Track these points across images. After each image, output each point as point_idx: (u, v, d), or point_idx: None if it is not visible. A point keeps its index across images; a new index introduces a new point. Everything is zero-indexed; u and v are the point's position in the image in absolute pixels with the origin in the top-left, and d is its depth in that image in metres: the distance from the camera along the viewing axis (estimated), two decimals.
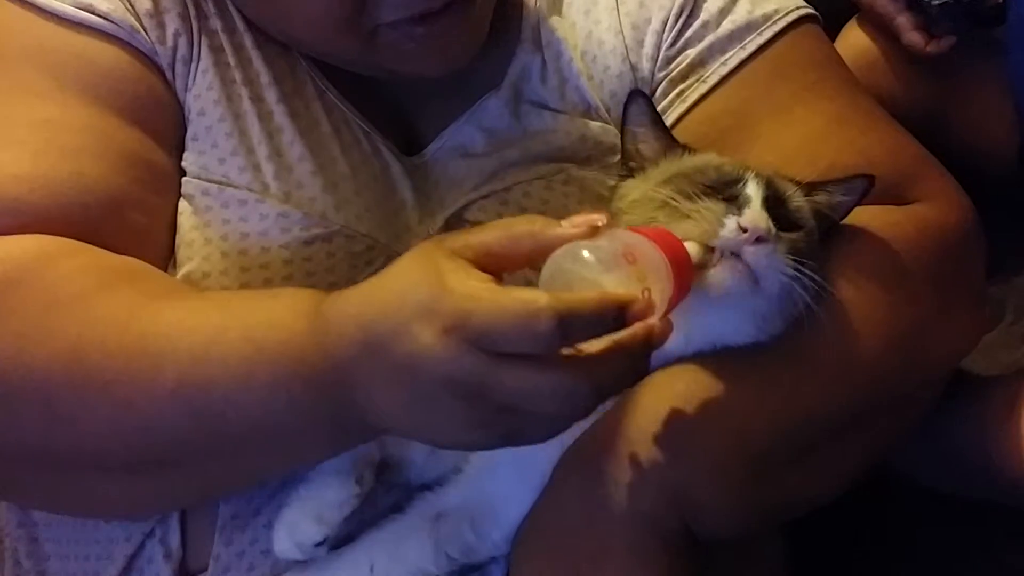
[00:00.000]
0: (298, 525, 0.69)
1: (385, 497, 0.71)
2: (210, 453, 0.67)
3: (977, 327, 0.79)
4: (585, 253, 0.59)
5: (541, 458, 0.68)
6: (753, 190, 0.68)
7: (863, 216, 0.74)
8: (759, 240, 0.65)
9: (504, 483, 0.70)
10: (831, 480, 0.71)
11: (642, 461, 0.66)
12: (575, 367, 0.58)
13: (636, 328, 0.59)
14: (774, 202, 0.68)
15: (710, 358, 0.69)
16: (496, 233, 0.61)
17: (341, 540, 0.71)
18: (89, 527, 0.75)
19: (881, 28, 1.03)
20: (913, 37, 1.00)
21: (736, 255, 0.65)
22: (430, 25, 0.74)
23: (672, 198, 0.67)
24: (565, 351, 0.58)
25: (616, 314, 0.58)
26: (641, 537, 0.65)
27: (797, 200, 0.70)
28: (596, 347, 0.59)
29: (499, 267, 0.61)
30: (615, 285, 0.59)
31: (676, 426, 0.67)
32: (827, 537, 0.82)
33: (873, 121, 0.80)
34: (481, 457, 0.71)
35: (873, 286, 0.71)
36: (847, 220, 0.74)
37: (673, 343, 0.66)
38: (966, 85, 1.01)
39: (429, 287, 0.59)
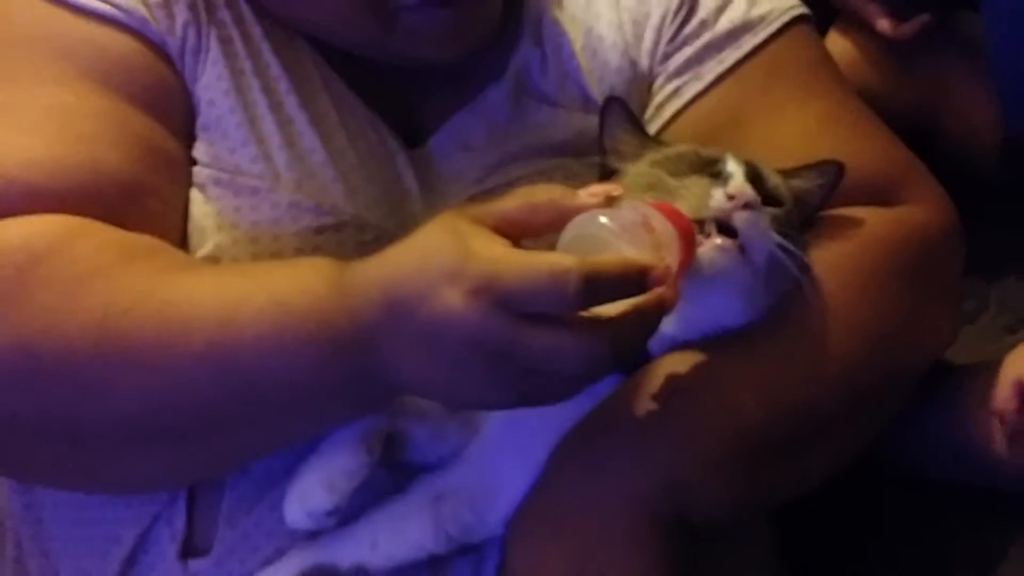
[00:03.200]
0: (310, 493, 0.70)
1: (388, 479, 0.73)
2: (237, 417, 0.68)
3: (952, 327, 0.82)
4: (606, 220, 0.63)
5: (541, 440, 0.71)
6: (733, 167, 0.71)
7: (853, 216, 0.77)
8: (747, 207, 0.68)
9: (503, 466, 0.72)
10: (817, 469, 0.74)
11: (640, 449, 0.68)
12: (596, 329, 0.61)
13: (653, 294, 0.62)
14: (753, 179, 0.71)
15: (708, 349, 0.71)
16: (516, 202, 0.64)
17: (346, 519, 0.72)
18: (97, 509, 0.76)
19: (860, 26, 1.04)
20: (883, 24, 1.01)
21: (724, 229, 0.68)
22: (451, 8, 0.75)
23: (659, 177, 0.70)
24: (585, 315, 0.61)
25: (638, 279, 0.61)
26: (639, 523, 0.67)
27: (774, 178, 0.73)
28: (612, 311, 0.61)
29: (518, 234, 0.63)
30: (634, 251, 0.62)
31: (674, 415, 0.69)
32: (813, 522, 0.84)
33: (863, 123, 0.83)
34: (482, 440, 0.73)
35: (860, 285, 0.74)
36: (835, 220, 0.76)
37: (674, 328, 0.70)
38: (952, 84, 1.03)
39: (454, 251, 0.61)
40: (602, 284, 0.60)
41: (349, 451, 0.70)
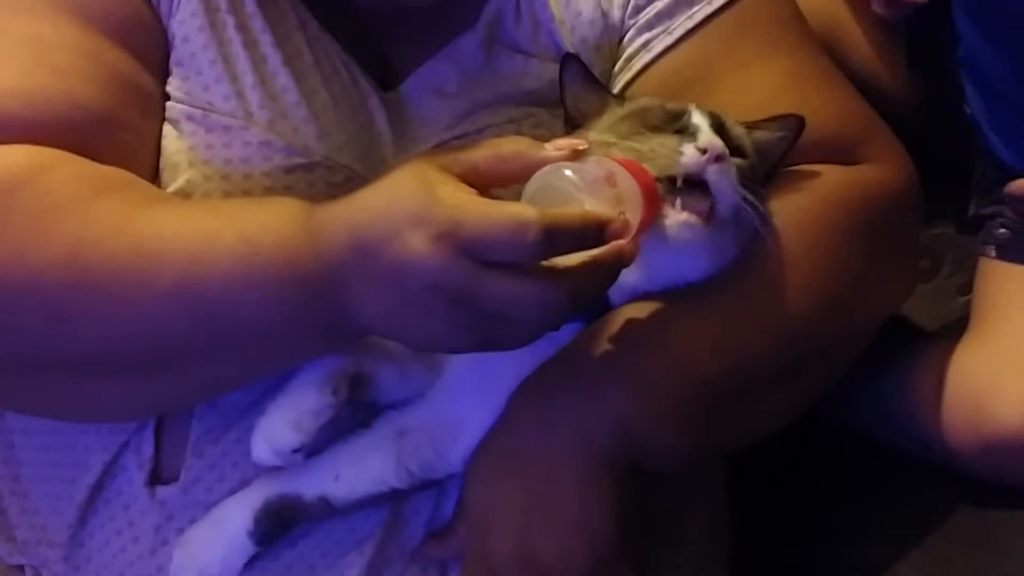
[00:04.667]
0: (276, 432, 0.72)
1: (353, 416, 0.74)
2: (203, 352, 0.69)
3: (907, 285, 0.83)
4: (570, 173, 0.64)
5: (501, 384, 0.72)
6: (699, 119, 0.72)
7: (812, 173, 0.78)
8: (719, 159, 0.69)
9: (465, 405, 0.73)
10: (770, 419, 0.76)
11: (594, 395, 0.70)
12: (555, 278, 0.63)
13: (611, 246, 0.63)
14: (718, 130, 0.72)
15: (667, 300, 0.72)
16: (484, 152, 0.66)
17: (312, 453, 0.74)
18: (66, 436, 0.78)
19: None
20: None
21: (692, 183, 0.69)
22: None
23: (625, 136, 0.71)
24: (544, 263, 0.63)
25: (596, 232, 0.63)
26: (591, 468, 0.69)
27: (737, 129, 0.74)
28: (572, 261, 0.63)
29: (485, 184, 0.65)
30: (595, 205, 0.64)
31: (629, 363, 0.70)
32: (763, 476, 0.86)
33: (828, 80, 0.83)
34: (445, 379, 0.74)
35: (816, 242, 0.75)
36: (795, 176, 0.77)
37: (636, 279, 0.72)
38: (862, 21, 1.01)
39: (421, 197, 0.63)
40: (561, 236, 0.62)
41: (316, 391, 0.72)
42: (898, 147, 0.83)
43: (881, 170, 0.81)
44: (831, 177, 0.78)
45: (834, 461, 0.92)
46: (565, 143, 0.66)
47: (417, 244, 0.62)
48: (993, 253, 0.90)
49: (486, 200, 0.63)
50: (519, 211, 0.62)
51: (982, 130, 0.93)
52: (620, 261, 0.65)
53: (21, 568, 0.80)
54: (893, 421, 0.87)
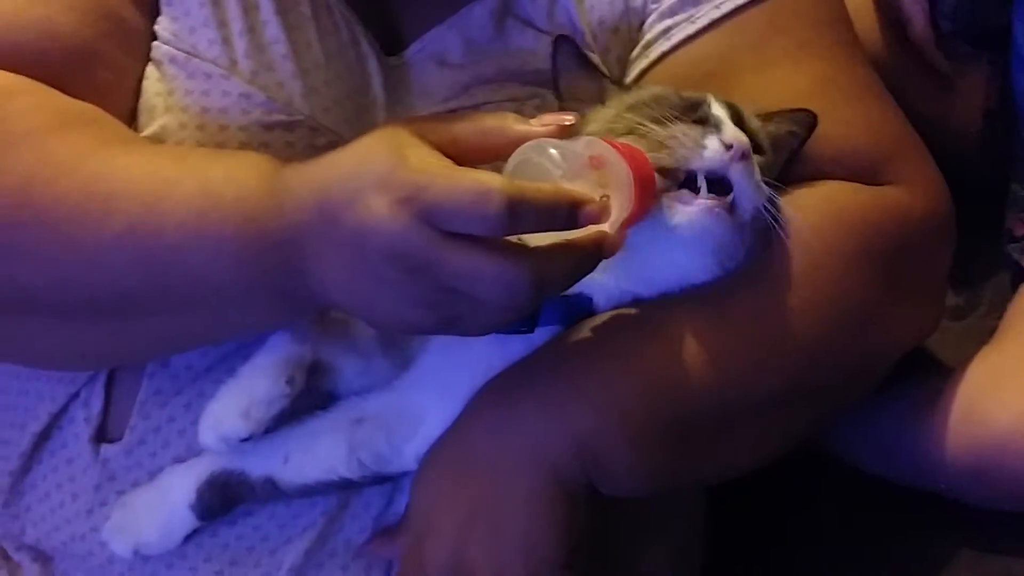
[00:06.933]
0: (224, 419, 0.68)
1: (311, 400, 0.71)
2: (154, 304, 0.66)
3: (928, 323, 0.77)
4: (552, 150, 0.60)
5: (467, 380, 0.68)
6: (719, 111, 0.67)
7: (827, 189, 0.72)
8: (743, 156, 0.64)
9: (427, 398, 0.69)
10: (749, 454, 0.70)
11: (559, 407, 0.65)
12: (520, 257, 0.59)
13: (588, 231, 0.59)
14: (737, 123, 0.67)
15: (655, 310, 0.67)
16: (465, 123, 0.62)
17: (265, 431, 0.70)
18: (20, 381, 0.76)
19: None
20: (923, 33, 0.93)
21: (713, 180, 0.64)
22: None
23: (641, 123, 0.65)
24: (513, 240, 0.59)
25: (568, 211, 0.59)
26: (541, 483, 0.64)
27: (755, 123, 0.69)
28: (545, 241, 0.59)
29: (463, 157, 0.61)
30: (573, 184, 0.60)
31: (602, 376, 0.66)
32: (752, 508, 0.81)
33: (861, 91, 0.77)
34: (410, 373, 0.70)
35: (825, 265, 0.69)
36: (808, 192, 0.71)
37: (631, 283, 0.67)
38: (958, 85, 0.95)
39: (388, 159, 0.59)
40: (528, 209, 0.57)
41: (269, 379, 0.68)
42: (932, 171, 0.76)
43: (908, 193, 0.74)
44: (849, 196, 0.72)
45: (814, 489, 0.86)
46: (551, 118, 0.62)
47: (378, 207, 0.58)
48: None
49: (455, 166, 0.60)
50: (485, 179, 0.58)
51: None
52: (600, 250, 0.61)
53: None
54: (890, 452, 0.82)
